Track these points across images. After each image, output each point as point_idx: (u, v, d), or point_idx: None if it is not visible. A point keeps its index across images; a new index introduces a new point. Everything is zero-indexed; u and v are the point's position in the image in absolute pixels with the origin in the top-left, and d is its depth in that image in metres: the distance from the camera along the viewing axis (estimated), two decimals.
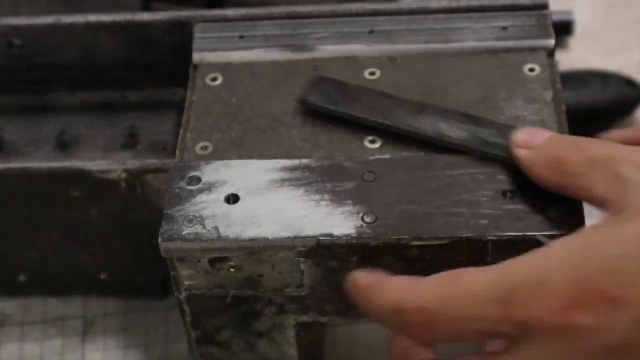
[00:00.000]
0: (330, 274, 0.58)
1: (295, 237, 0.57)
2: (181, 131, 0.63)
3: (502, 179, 0.58)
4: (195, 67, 0.67)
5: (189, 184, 0.60)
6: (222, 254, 0.57)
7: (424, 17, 0.67)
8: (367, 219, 0.57)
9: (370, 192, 0.58)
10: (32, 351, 0.73)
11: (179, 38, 0.70)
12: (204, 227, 0.57)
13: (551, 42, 0.65)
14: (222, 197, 0.59)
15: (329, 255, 0.57)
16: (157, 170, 0.66)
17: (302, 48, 0.67)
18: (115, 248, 0.71)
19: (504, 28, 0.66)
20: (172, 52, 0.71)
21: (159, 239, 0.57)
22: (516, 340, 0.51)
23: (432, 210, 0.57)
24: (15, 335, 0.74)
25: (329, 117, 0.62)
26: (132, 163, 0.67)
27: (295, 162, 0.60)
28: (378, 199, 0.58)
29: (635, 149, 0.54)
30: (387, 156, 0.60)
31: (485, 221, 0.56)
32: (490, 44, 0.66)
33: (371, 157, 0.60)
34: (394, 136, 0.61)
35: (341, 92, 0.63)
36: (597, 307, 0.49)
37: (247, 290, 0.59)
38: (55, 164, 0.68)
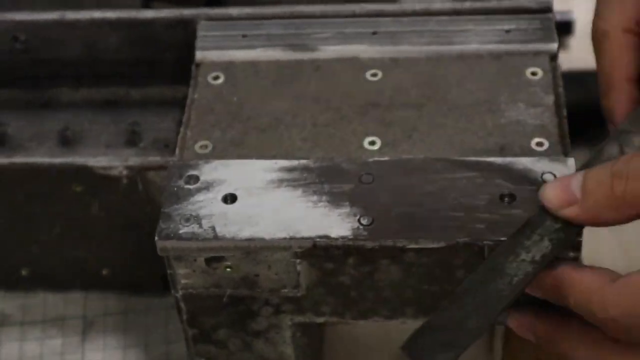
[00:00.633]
0: (327, 275, 0.58)
1: (291, 238, 0.56)
2: (182, 129, 0.63)
3: (500, 184, 0.58)
4: (198, 65, 0.67)
5: (187, 182, 0.60)
6: (219, 254, 0.57)
7: (427, 18, 0.67)
8: (364, 221, 0.57)
9: (368, 194, 0.58)
10: (32, 351, 0.74)
11: (183, 36, 0.70)
12: (200, 226, 0.57)
13: (554, 46, 0.65)
14: (219, 196, 0.59)
15: (325, 256, 0.57)
16: (159, 167, 0.66)
17: (305, 48, 0.67)
18: (117, 244, 0.71)
19: (508, 31, 0.66)
20: (175, 50, 0.71)
21: (156, 237, 0.57)
22: None
23: (429, 213, 0.57)
24: (15, 335, 0.75)
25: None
26: (134, 160, 0.67)
27: (294, 162, 0.60)
28: (375, 201, 0.58)
29: None
30: (386, 158, 0.60)
31: (482, 226, 0.56)
32: (493, 46, 0.66)
33: (370, 159, 0.60)
34: (393, 138, 0.61)
35: None
36: None
37: (244, 290, 0.59)
38: (57, 160, 0.68)
